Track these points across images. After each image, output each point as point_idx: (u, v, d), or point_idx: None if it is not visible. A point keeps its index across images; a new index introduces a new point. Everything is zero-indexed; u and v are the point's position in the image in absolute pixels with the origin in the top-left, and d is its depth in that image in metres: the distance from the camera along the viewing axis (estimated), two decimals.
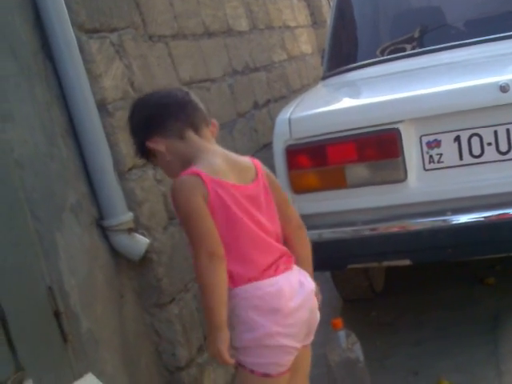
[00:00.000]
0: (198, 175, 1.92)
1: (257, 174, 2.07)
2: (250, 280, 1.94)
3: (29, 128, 2.24)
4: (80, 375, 2.22)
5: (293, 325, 1.96)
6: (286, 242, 2.10)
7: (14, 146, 2.15)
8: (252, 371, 1.96)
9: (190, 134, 2.04)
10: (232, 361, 1.93)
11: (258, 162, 2.13)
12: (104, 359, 2.39)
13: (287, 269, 2.02)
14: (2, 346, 1.93)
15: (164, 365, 2.74)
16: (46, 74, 2.40)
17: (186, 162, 2.02)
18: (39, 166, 2.26)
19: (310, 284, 2.07)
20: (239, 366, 2.01)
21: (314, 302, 2.08)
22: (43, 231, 2.20)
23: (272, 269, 1.97)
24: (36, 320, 2.09)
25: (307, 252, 2.18)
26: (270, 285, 1.95)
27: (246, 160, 2.11)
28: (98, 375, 2.29)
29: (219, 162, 2.00)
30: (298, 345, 1.99)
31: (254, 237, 1.97)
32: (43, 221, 2.21)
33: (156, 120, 2.05)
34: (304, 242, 2.17)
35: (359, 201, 3.01)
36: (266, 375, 1.95)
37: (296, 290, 1.99)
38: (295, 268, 2.07)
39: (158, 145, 2.06)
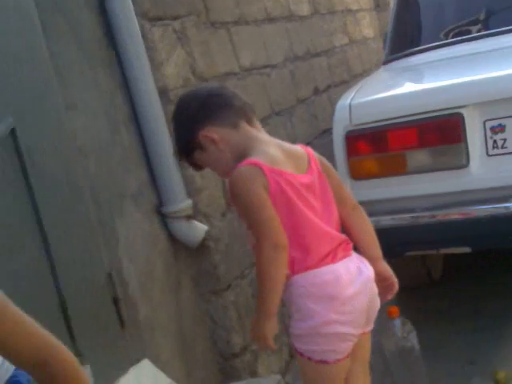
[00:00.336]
0: (256, 165, 1.91)
1: (310, 162, 2.05)
2: (308, 268, 1.94)
3: (92, 115, 2.27)
4: (136, 361, 2.27)
5: (350, 312, 1.95)
6: (343, 224, 2.09)
7: (78, 133, 2.19)
8: (309, 358, 1.97)
9: (243, 124, 2.02)
10: (274, 347, 1.96)
11: (309, 148, 2.11)
12: (160, 345, 2.43)
13: (346, 256, 2.01)
14: (61, 332, 1.97)
15: (219, 351, 2.77)
16: (110, 62, 2.43)
17: (240, 153, 1.98)
18: (102, 153, 2.29)
19: (369, 271, 2.05)
20: (297, 353, 2.02)
21: (374, 289, 2.05)
22: (104, 218, 2.23)
23: (330, 256, 1.97)
24: (95, 306, 2.13)
25: (368, 229, 2.15)
26: (327, 272, 1.94)
27: (298, 148, 2.09)
28: (154, 361, 2.33)
29: (275, 152, 1.98)
30: (357, 332, 1.99)
31: (314, 226, 1.96)
32: (104, 208, 2.24)
33: (209, 108, 2.01)
34: (363, 220, 2.15)
35: (419, 187, 2.97)
36: (323, 362, 1.96)
37: (354, 277, 1.97)
38: (354, 255, 2.05)
39: (213, 134, 1.99)
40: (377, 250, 2.14)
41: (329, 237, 1.98)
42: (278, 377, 2.49)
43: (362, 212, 2.15)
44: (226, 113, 2.00)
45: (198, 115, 2.00)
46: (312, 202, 1.97)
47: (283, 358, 3.18)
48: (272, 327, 1.92)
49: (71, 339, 1.99)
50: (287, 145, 2.07)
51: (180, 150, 2.05)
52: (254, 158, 1.92)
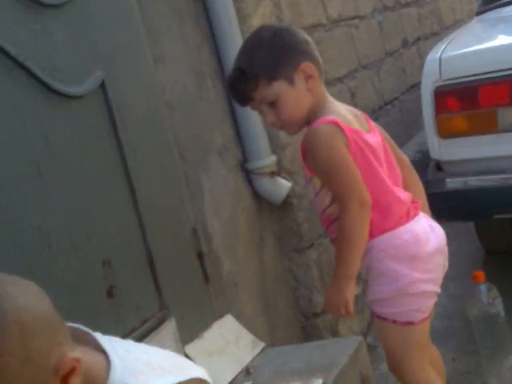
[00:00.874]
0: (336, 124, 1.89)
1: (368, 122, 2.04)
2: (385, 230, 1.93)
3: (179, 69, 2.30)
4: (220, 316, 2.32)
5: (432, 270, 1.96)
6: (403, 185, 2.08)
7: (165, 87, 2.22)
8: (394, 321, 1.97)
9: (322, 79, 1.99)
10: (353, 314, 1.96)
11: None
12: (243, 302, 2.47)
13: (416, 214, 2.00)
14: (149, 285, 2.03)
15: (301, 310, 2.80)
16: (197, 15, 2.44)
17: (314, 107, 1.94)
18: (188, 107, 2.32)
19: (438, 227, 2.04)
20: (379, 318, 2.02)
21: (446, 247, 2.05)
22: (190, 173, 2.27)
23: (404, 217, 1.96)
24: (181, 261, 2.18)
25: (422, 190, 2.15)
26: (405, 232, 1.94)
27: (354, 108, 2.08)
28: (237, 317, 2.38)
29: (345, 112, 1.97)
30: (438, 289, 1.99)
31: (388, 187, 1.95)
32: (190, 163, 2.28)
33: (312, 47, 1.97)
34: (418, 181, 2.15)
35: (511, 147, 2.90)
36: (409, 323, 1.97)
37: (429, 235, 1.97)
38: (421, 213, 2.04)
39: (312, 69, 1.91)
40: (429, 212, 2.12)
41: (401, 197, 1.98)
42: (360, 338, 2.49)
43: (417, 176, 2.14)
44: (320, 62, 1.97)
45: (305, 47, 1.94)
46: (383, 162, 1.96)
47: (365, 319, 3.19)
48: (353, 290, 1.92)
49: (157, 291, 2.05)
50: (346, 105, 2.05)
51: (263, 74, 1.89)
52: (330, 117, 1.90)
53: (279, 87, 1.90)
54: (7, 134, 1.67)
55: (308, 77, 1.92)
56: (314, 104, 1.94)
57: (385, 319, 1.99)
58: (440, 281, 2.01)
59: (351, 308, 1.93)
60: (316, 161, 1.90)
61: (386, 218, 1.93)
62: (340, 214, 1.89)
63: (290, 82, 1.90)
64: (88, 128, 1.89)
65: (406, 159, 2.14)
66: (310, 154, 1.89)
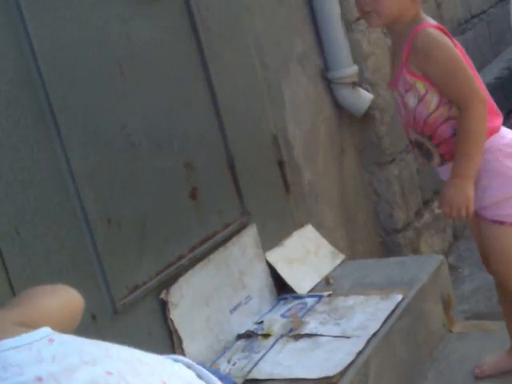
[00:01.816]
0: (442, 30, 1.88)
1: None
2: (493, 131, 1.95)
3: None
4: (300, 225, 2.35)
5: None
6: None
7: None
8: None
9: None
10: (472, 213, 1.96)
11: None
12: (323, 212, 2.49)
13: (501, 116, 2.03)
14: (230, 189, 2.08)
15: (381, 225, 2.81)
16: None
17: (407, 15, 1.89)
18: (268, 12, 2.31)
19: None
20: (495, 222, 2.02)
21: None
22: (271, 79, 2.27)
23: (498, 118, 1.97)
24: (261, 168, 2.21)
25: None
26: (507, 132, 1.97)
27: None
28: (317, 227, 2.41)
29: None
30: None
31: (485, 88, 1.95)
32: (271, 69, 2.28)
33: None
34: None
35: None
36: None
37: None
38: None
39: None
40: None
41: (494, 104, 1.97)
42: (441, 256, 2.49)
43: None
44: None
45: None
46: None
47: (447, 239, 3.18)
48: (472, 188, 1.93)
49: (239, 197, 2.09)
50: None
51: None
52: (435, 23, 1.89)
53: None
54: (91, 31, 1.71)
55: None
56: (411, 14, 1.91)
57: (502, 222, 1.99)
58: None
59: (472, 208, 1.94)
60: (436, 61, 1.88)
61: (494, 117, 1.96)
62: (463, 114, 1.89)
63: None
64: (169, 28, 1.91)
65: None
66: (427, 55, 1.87)
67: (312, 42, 2.53)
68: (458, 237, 3.31)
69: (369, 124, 2.76)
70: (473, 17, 3.97)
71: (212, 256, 1.98)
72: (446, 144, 1.95)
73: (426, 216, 3.03)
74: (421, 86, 1.91)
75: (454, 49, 1.86)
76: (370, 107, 2.71)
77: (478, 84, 1.89)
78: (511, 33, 3.14)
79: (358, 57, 2.68)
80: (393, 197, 2.82)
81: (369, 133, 2.77)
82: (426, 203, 3.06)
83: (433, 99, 1.91)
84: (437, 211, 3.15)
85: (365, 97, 2.69)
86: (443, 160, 1.98)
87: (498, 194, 1.95)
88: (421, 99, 1.93)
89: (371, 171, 2.80)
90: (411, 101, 1.95)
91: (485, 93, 1.89)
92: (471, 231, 2.20)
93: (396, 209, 2.83)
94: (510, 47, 4.21)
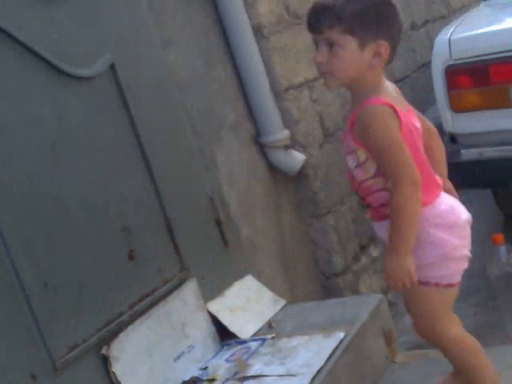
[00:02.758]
0: (390, 107, 1.78)
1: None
2: (425, 203, 1.90)
3: (188, 51, 2.27)
4: (240, 277, 2.28)
5: (466, 236, 1.94)
6: (425, 149, 2.00)
7: (175, 68, 2.19)
8: (437, 284, 1.95)
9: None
10: (416, 280, 1.90)
11: None
12: (262, 263, 2.43)
13: (441, 187, 1.95)
14: (168, 248, 2.01)
15: (320, 270, 2.74)
16: (204, 0, 2.39)
17: (364, 81, 1.81)
18: (199, 86, 2.28)
19: (457, 199, 2.01)
20: (421, 283, 1.97)
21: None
22: (204, 147, 2.23)
23: (438, 192, 1.93)
24: (199, 227, 2.15)
25: (444, 155, 2.09)
26: (442, 204, 1.91)
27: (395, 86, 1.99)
28: (257, 277, 2.33)
29: (393, 92, 1.90)
30: (470, 254, 1.97)
31: (429, 168, 1.92)
32: (204, 137, 2.24)
33: (397, 31, 1.79)
34: (441, 144, 2.07)
35: None
36: (450, 285, 1.95)
37: (459, 205, 1.94)
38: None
39: (385, 50, 1.75)
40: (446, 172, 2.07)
41: (437, 177, 1.94)
42: (380, 295, 2.42)
43: (439, 137, 2.07)
44: (395, 51, 1.82)
45: (395, 30, 1.79)
46: (420, 143, 1.91)
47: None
48: (412, 262, 1.87)
49: (177, 254, 2.03)
50: (389, 82, 1.96)
51: (345, 23, 1.73)
52: (385, 99, 1.80)
53: (349, 42, 1.76)
54: (22, 114, 1.67)
55: (378, 54, 1.77)
56: (367, 79, 1.81)
57: (426, 283, 1.95)
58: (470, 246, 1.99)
59: (415, 277, 1.86)
60: (372, 138, 1.80)
61: (430, 190, 1.91)
62: (393, 192, 1.83)
63: (361, 46, 1.76)
64: (100, 107, 1.87)
65: (428, 122, 2.07)
66: (366, 131, 1.79)
67: (243, 110, 2.50)
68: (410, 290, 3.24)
69: (303, 181, 2.71)
70: (397, 81, 3.99)
71: (152, 311, 1.90)
72: (376, 209, 1.90)
73: (364, 259, 2.98)
74: (362, 154, 1.84)
75: (393, 129, 1.77)
76: (303, 166, 2.67)
77: (415, 163, 1.81)
78: (433, 95, 3.18)
79: (289, 122, 2.65)
80: (330, 244, 2.76)
81: (304, 189, 2.72)
82: (363, 248, 3.00)
83: (371, 168, 1.85)
84: (374, 254, 3.11)
85: (297, 158, 2.65)
86: (372, 219, 1.94)
87: (425, 258, 1.91)
88: (359, 165, 1.87)
89: (309, 223, 2.74)
90: (350, 163, 1.88)
91: (426, 169, 1.83)
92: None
93: (334, 255, 2.77)
94: (433, 106, 4.25)
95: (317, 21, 1.80)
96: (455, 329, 1.98)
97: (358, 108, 1.80)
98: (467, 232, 1.94)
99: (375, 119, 1.77)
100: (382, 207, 1.88)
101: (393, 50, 1.79)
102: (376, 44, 1.76)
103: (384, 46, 1.76)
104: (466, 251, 1.93)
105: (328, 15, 1.75)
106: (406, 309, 2.01)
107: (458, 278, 1.96)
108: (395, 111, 1.78)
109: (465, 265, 1.95)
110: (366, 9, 1.76)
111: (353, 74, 1.80)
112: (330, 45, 1.77)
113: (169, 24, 2.19)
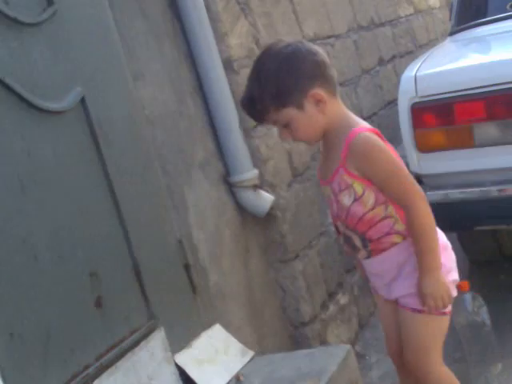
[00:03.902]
0: (375, 133, 1.90)
1: None
2: None
3: (158, 86, 2.32)
4: (208, 326, 2.31)
5: (454, 260, 2.04)
6: None
7: (145, 103, 2.23)
8: (430, 312, 2.01)
9: (337, 94, 1.95)
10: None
11: None
12: (231, 312, 2.47)
13: None
14: (136, 295, 2.03)
15: (288, 319, 2.79)
16: (174, 33, 2.46)
17: (331, 123, 1.92)
18: (169, 123, 2.33)
19: None
20: (415, 311, 2.03)
21: None
22: (173, 186, 2.27)
23: None
24: (167, 272, 2.18)
25: None
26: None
27: None
28: (225, 326, 2.37)
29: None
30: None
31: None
32: (173, 176, 2.28)
33: (324, 68, 1.89)
34: None
35: (487, 161, 2.90)
36: (443, 313, 2.02)
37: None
38: None
39: (322, 94, 1.87)
40: None
41: None
42: (348, 346, 2.48)
43: None
44: (332, 79, 1.94)
45: (315, 70, 1.89)
46: None
47: (353, 328, 3.19)
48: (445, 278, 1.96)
49: (145, 302, 2.05)
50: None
51: (272, 104, 1.88)
52: (367, 126, 1.93)
53: (289, 113, 1.90)
54: None
55: (318, 101, 1.90)
56: (331, 120, 1.93)
57: (420, 311, 2.01)
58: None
59: (453, 291, 1.98)
60: (376, 163, 1.88)
61: None
62: (409, 212, 1.91)
63: (300, 107, 1.89)
64: (70, 142, 1.90)
65: None
66: (367, 158, 1.88)
67: (213, 148, 2.56)
68: (364, 325, 3.32)
69: (272, 223, 2.78)
70: (365, 119, 4.11)
71: (119, 363, 1.91)
72: (378, 241, 1.97)
73: (332, 308, 3.04)
74: (358, 187, 1.92)
75: (391, 152, 1.89)
76: (271, 207, 2.74)
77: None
78: (400, 132, 3.27)
79: (257, 161, 2.72)
80: (298, 291, 2.82)
81: (272, 232, 2.79)
82: (331, 295, 3.07)
83: (369, 199, 1.93)
84: (342, 302, 3.18)
85: (266, 198, 2.72)
86: (370, 255, 2.00)
87: (418, 284, 1.98)
88: (357, 199, 1.94)
89: (277, 268, 2.80)
90: (346, 199, 1.94)
91: None
92: (382, 319, 2.21)
93: (302, 303, 2.83)
94: (400, 145, 4.37)
95: (252, 116, 1.99)
96: (445, 367, 2.08)
97: (346, 142, 1.88)
98: (454, 256, 2.04)
99: (373, 144, 1.88)
100: (385, 237, 1.95)
101: (327, 82, 1.90)
102: (309, 96, 1.88)
103: (316, 94, 1.88)
104: (456, 275, 2.03)
105: (255, 109, 1.92)
106: (403, 342, 2.07)
107: (449, 308, 2.01)
108: (380, 137, 1.90)
109: (454, 292, 2.02)
110: (276, 80, 1.87)
111: (317, 129, 1.94)
112: (281, 124, 1.93)
113: (139, 57, 2.24)
